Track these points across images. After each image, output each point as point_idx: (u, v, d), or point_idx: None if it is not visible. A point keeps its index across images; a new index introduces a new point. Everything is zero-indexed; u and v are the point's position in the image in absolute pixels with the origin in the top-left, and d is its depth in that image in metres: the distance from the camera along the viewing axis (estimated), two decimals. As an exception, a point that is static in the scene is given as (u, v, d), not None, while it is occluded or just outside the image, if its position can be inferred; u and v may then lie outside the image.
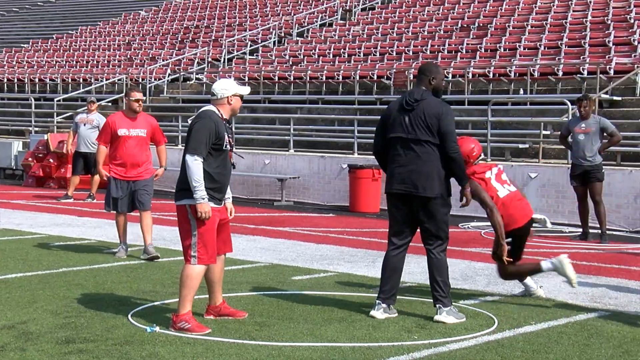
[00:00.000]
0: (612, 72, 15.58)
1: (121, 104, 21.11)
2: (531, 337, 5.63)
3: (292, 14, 24.82)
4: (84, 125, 14.31)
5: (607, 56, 16.10)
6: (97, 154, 8.76)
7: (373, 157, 17.08)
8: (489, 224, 11.89)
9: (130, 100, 8.50)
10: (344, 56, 20.30)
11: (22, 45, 29.68)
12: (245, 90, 5.92)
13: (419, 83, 6.18)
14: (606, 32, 17.47)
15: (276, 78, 19.89)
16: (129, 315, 5.95)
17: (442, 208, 6.05)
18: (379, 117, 6.63)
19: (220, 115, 5.77)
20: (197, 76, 22.14)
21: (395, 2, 23.95)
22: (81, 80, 23.59)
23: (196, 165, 5.56)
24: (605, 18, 18.24)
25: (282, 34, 23.89)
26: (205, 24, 26.52)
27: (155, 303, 6.44)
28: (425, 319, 6.07)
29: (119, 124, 8.49)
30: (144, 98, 8.78)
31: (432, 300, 6.13)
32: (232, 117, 5.98)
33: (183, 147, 5.87)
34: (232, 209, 6.02)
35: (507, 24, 19.45)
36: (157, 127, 8.74)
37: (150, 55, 24.48)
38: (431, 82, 6.11)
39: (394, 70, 17.95)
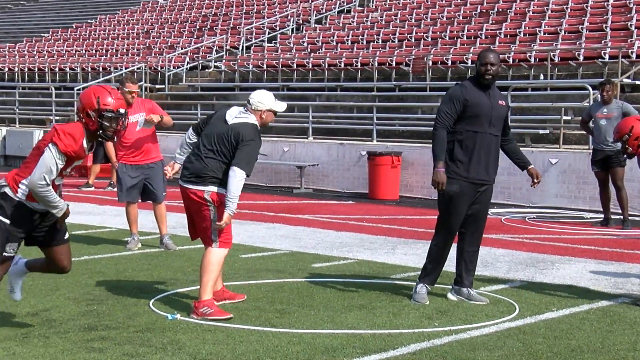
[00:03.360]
0: (634, 56, 15.38)
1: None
2: (553, 323, 5.60)
3: (310, 1, 24.73)
4: (104, 114, 14.37)
5: (629, 40, 15.90)
6: (107, 149, 8.71)
7: (392, 143, 16.98)
8: (510, 210, 11.89)
9: (125, 92, 8.16)
10: (362, 43, 20.21)
11: (42, 34, 29.83)
12: (281, 106, 5.94)
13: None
14: (628, 15, 17.25)
15: (294, 65, 19.84)
16: (150, 303, 5.99)
17: (438, 194, 6.13)
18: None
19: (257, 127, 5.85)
20: (215, 64, 22.15)
21: (413, -12, 23.79)
22: (101, 69, 23.69)
23: (241, 182, 5.62)
24: (628, 1, 17.99)
25: (300, 21, 23.82)
26: (223, 12, 26.50)
27: (176, 290, 6.48)
28: (446, 305, 6.06)
29: None
30: (138, 90, 8.51)
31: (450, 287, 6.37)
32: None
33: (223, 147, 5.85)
34: None
35: (526, 9, 19.26)
36: (154, 107, 8.46)
37: (169, 44, 24.52)
38: (477, 68, 6.16)
39: (413, 56, 17.84)
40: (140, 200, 8.59)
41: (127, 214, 8.60)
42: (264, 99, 5.86)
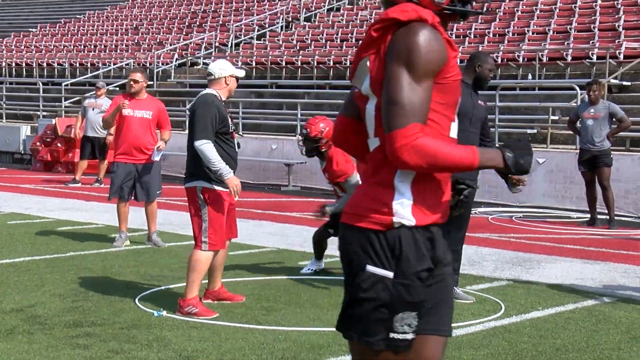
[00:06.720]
0: (621, 56, 15.46)
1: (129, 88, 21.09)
2: (538, 322, 5.62)
3: (300, -1, 24.72)
4: (92, 109, 14.32)
5: (616, 41, 15.98)
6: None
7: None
8: (497, 209, 11.93)
9: (129, 80, 8.49)
10: (351, 41, 20.21)
11: (30, 29, 29.67)
12: (241, 72, 5.99)
13: (465, 69, 6.25)
14: (616, 16, 17.34)
15: (283, 63, 19.82)
16: (136, 300, 5.97)
17: None
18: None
19: (220, 98, 5.78)
20: (204, 61, 22.08)
21: (403, -13, 23.78)
22: (89, 64, 23.59)
23: (208, 148, 5.57)
24: (615, 2, 18.08)
25: (290, 19, 23.80)
26: (212, 9, 26.45)
27: (163, 287, 6.46)
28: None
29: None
30: (142, 80, 8.55)
31: None
32: (228, 100, 5.99)
33: (188, 132, 5.85)
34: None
35: (515, 9, 19.32)
36: (163, 111, 8.58)
37: (158, 40, 24.45)
38: (476, 69, 6.16)
39: (402, 55, 17.84)
40: (134, 199, 8.52)
41: (118, 212, 8.52)
42: (225, 65, 5.90)
